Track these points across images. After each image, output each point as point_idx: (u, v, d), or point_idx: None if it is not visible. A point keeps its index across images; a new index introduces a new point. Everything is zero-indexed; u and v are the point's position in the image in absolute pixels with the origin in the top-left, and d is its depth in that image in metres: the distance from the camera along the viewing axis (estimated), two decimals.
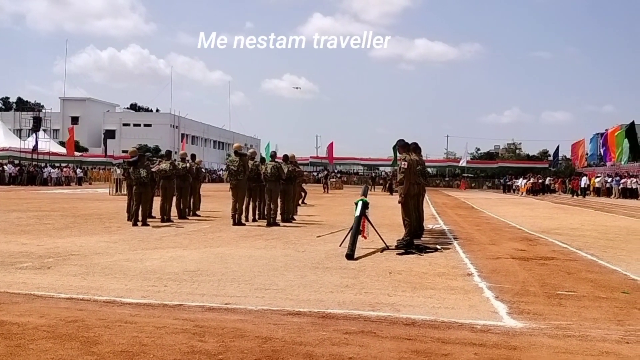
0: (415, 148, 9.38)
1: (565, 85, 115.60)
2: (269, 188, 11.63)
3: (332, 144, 66.12)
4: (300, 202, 21.40)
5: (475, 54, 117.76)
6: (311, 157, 73.58)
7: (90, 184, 42.42)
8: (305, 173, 26.11)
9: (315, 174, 64.70)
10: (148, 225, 10.91)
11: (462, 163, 64.88)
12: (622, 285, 5.58)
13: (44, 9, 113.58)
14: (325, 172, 43.44)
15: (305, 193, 22.67)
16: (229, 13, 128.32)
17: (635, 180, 32.88)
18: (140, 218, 11.04)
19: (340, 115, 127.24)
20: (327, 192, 32.60)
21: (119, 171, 24.81)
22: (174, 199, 12.53)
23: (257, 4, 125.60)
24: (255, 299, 4.61)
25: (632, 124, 37.04)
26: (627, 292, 5.25)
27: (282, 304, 4.45)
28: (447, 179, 65.77)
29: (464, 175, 66.01)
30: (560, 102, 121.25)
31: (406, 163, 8.62)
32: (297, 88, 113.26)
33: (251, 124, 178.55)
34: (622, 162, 37.93)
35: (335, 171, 65.56)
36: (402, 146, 9.21)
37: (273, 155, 12.52)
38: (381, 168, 68.24)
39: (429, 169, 69.08)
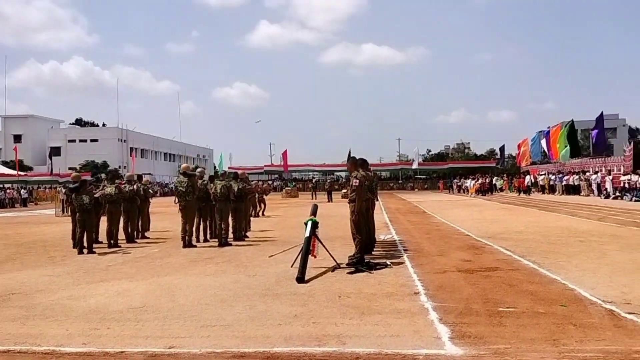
0: (362, 164, 9.49)
1: (508, 85, 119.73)
2: (220, 207, 11.54)
3: (286, 151, 66.22)
4: (260, 214, 21.45)
5: (420, 57, 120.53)
6: (265, 166, 73.44)
7: (35, 204, 40.99)
8: (265, 185, 25.98)
9: (270, 182, 64.52)
10: (94, 252, 10.62)
11: (414, 165, 66.08)
12: (561, 297, 5.79)
13: None
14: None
15: (265, 205, 22.65)
16: (174, 22, 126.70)
17: (577, 177, 34.20)
18: (85, 245, 10.75)
19: (293, 122, 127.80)
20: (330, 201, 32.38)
21: (64, 190, 24.09)
22: (121, 222, 12.26)
23: (203, 13, 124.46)
24: (200, 339, 4.54)
25: (572, 122, 38.57)
26: (565, 305, 5.46)
27: (228, 343, 4.41)
28: (400, 181, 66.83)
29: (416, 177, 67.26)
30: (504, 102, 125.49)
31: (357, 181, 8.74)
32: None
33: (203, 133, 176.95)
34: (564, 160, 39.42)
35: (290, 179, 65.60)
36: (351, 163, 9.36)
37: (222, 174, 12.44)
38: (337, 173, 68.77)
39: (382, 173, 70.60)
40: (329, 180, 51.91)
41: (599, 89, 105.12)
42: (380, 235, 11.82)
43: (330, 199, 32.98)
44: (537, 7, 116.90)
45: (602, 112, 35.15)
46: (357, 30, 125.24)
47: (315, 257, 7.95)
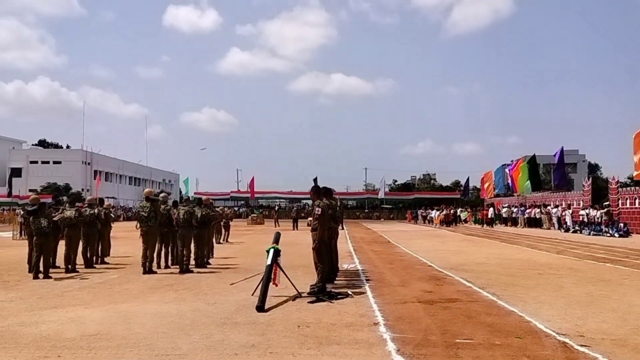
0: (326, 192, 9.55)
1: (473, 118, 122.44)
2: (182, 233, 11.41)
3: (253, 179, 66.04)
4: (223, 240, 21.24)
5: (388, 88, 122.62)
6: (232, 192, 73.12)
7: None
8: (228, 212, 25.74)
9: (236, 209, 64.04)
10: (50, 277, 10.32)
11: (381, 195, 66.69)
12: (517, 330, 5.88)
13: None
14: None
15: (228, 232, 22.46)
16: (145, 46, 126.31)
17: (538, 210, 35.00)
18: (41, 270, 10.44)
19: (261, 148, 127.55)
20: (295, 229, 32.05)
21: (22, 213, 23.42)
22: (80, 247, 11.97)
23: (174, 38, 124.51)
24: None
25: (534, 156, 39.65)
26: (520, 337, 5.54)
27: None
28: (366, 210, 67.23)
29: (382, 206, 67.76)
30: (469, 134, 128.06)
31: (320, 209, 8.77)
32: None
33: (170, 158, 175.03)
34: (526, 193, 40.38)
35: (256, 206, 65.28)
36: (314, 192, 9.40)
37: (186, 200, 12.33)
38: (304, 201, 68.76)
39: (349, 201, 70.96)
40: (295, 208, 51.64)
41: (561, 125, 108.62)
42: (343, 265, 11.83)
43: (295, 227, 32.85)
44: (502, 44, 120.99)
45: (562, 148, 36.28)
46: (327, 60, 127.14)
47: (276, 285, 7.90)
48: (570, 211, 30.32)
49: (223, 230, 21.75)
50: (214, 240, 15.24)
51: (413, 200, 67.41)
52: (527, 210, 36.09)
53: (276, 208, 54.49)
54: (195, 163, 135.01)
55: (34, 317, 6.69)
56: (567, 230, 28.86)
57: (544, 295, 8.25)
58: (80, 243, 11.92)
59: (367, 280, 9.97)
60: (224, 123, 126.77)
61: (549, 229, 32.11)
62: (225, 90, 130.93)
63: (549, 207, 34.54)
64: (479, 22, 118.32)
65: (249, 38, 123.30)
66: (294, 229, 31.71)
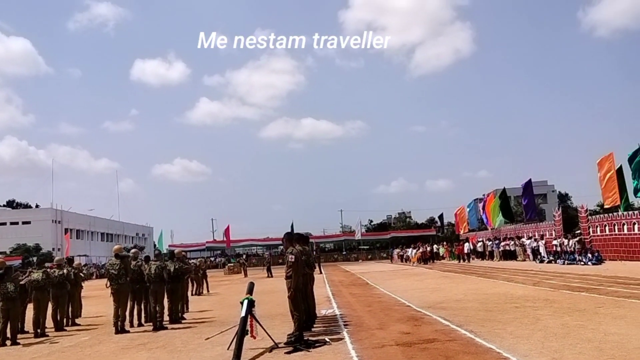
0: (299, 239, 9.50)
1: (443, 155, 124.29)
2: (154, 289, 11.17)
3: (228, 227, 65.38)
4: (203, 291, 20.91)
5: (359, 130, 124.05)
6: (207, 242, 72.19)
7: None
8: (201, 263, 25.29)
9: (212, 259, 63.13)
10: (18, 344, 9.98)
11: (357, 236, 66.65)
12: None
13: None
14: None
15: (206, 282, 22.10)
16: (112, 101, 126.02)
17: (512, 242, 35.38)
18: (9, 336, 10.07)
19: (235, 196, 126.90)
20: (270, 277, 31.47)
21: None
22: (50, 309, 11.61)
23: (141, 92, 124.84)
24: None
25: (504, 190, 40.38)
26: None
27: None
28: (344, 252, 66.96)
29: (360, 247, 67.63)
30: (440, 171, 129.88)
31: (293, 256, 8.70)
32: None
33: (143, 211, 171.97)
34: (498, 226, 40.89)
35: (233, 254, 64.46)
36: (287, 240, 9.34)
37: (157, 254, 12.14)
38: (280, 247, 68.23)
39: (326, 244, 70.69)
40: (267, 254, 50.61)
41: (528, 157, 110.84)
42: (321, 311, 11.70)
43: (270, 274, 32.42)
44: (465, 82, 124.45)
45: (530, 179, 36.99)
46: (296, 105, 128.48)
47: (254, 337, 7.77)
48: (544, 242, 30.73)
49: (201, 282, 21.50)
50: (188, 293, 14.96)
51: (390, 239, 67.52)
52: (502, 243, 36.43)
53: (244, 257, 53.36)
54: (169, 215, 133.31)
55: None
56: (541, 261, 29.15)
57: (521, 329, 8.26)
58: (50, 305, 11.58)
59: (345, 325, 9.86)
60: (197, 173, 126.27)
61: (524, 260, 32.40)
62: (196, 140, 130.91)
63: (522, 239, 34.95)
64: (441, 62, 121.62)
65: (218, 88, 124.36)
66: (268, 277, 31.35)
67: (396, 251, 50.57)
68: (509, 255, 34.85)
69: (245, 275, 33.61)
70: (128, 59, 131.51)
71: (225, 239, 66.47)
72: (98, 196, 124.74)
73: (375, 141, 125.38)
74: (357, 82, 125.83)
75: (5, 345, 9.90)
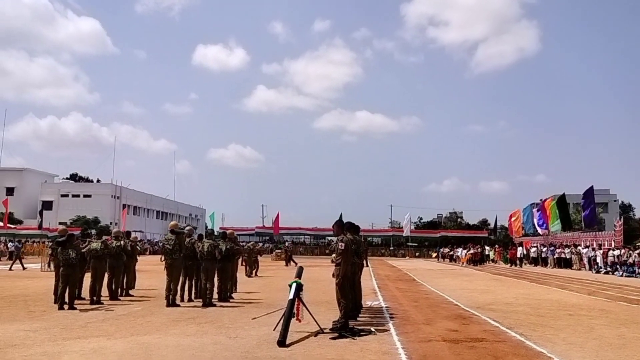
0: (350, 227, 9.47)
1: (499, 156, 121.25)
2: (205, 267, 11.42)
3: (278, 214, 66.09)
4: (253, 274, 21.35)
5: (414, 126, 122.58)
6: (257, 228, 73.12)
7: (22, 258, 40.26)
8: (259, 246, 25.85)
9: (261, 244, 64.04)
10: (75, 308, 10.39)
11: (406, 232, 66.02)
12: None
13: None
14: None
15: (258, 266, 22.55)
16: (173, 85, 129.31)
17: (568, 250, 34.18)
18: (67, 301, 10.54)
19: (286, 185, 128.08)
20: (287, 265, 31.94)
21: (50, 244, 23.86)
22: (106, 278, 12.07)
23: (201, 76, 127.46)
24: None
25: (563, 195, 38.98)
26: None
27: None
28: (392, 248, 66.48)
29: (408, 244, 66.99)
30: (496, 173, 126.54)
31: (343, 244, 8.68)
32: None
33: (196, 193, 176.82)
34: (556, 232, 39.57)
35: (283, 241, 65.07)
36: (338, 226, 9.34)
37: (210, 233, 12.39)
38: (328, 237, 68.48)
39: (374, 239, 70.42)
40: (288, 244, 49.22)
41: (591, 164, 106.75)
42: (367, 302, 11.66)
43: (287, 264, 32.15)
44: (528, 82, 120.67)
45: (591, 187, 35.59)
46: (352, 98, 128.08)
47: (300, 321, 7.82)
48: (602, 252, 29.52)
49: (253, 265, 21.94)
50: (239, 274, 15.22)
51: (439, 238, 66.53)
52: (557, 250, 35.25)
53: (286, 244, 52.98)
54: (221, 198, 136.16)
55: (57, 347, 6.72)
56: (598, 271, 28.04)
57: (574, 337, 7.98)
58: (106, 275, 12.03)
59: (391, 317, 9.80)
60: (250, 159, 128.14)
61: (579, 269, 31.26)
62: (251, 127, 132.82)
63: (579, 247, 33.71)
64: (504, 61, 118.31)
65: (275, 76, 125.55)
66: (287, 265, 31.59)
67: (442, 250, 49.78)
68: (564, 263, 33.69)
69: (288, 263, 33.51)
70: (191, 43, 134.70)
71: (274, 226, 67.26)
72: (155, 175, 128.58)
73: (430, 138, 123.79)
74: (415, 77, 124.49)
75: (63, 309, 10.35)
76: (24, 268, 25.58)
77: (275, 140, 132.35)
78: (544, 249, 37.49)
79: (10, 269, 24.69)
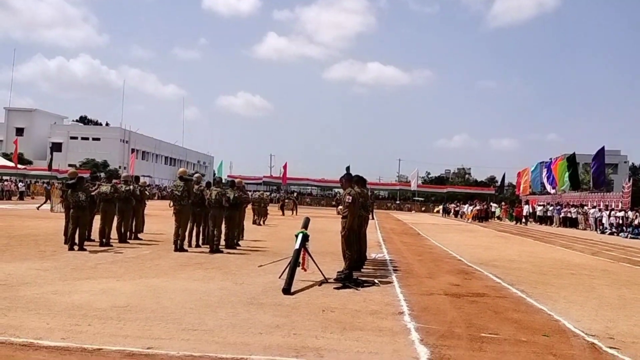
0: (358, 181, 9.48)
1: (511, 114, 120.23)
2: (213, 214, 11.54)
3: (286, 164, 66.21)
4: (261, 222, 21.65)
5: (425, 80, 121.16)
6: (264, 177, 73.46)
7: (32, 198, 40.92)
8: (267, 197, 26.09)
9: (268, 193, 64.42)
10: (85, 250, 10.61)
11: (413, 187, 66.16)
12: (544, 327, 5.78)
13: None
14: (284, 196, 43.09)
15: (266, 215, 22.86)
16: (183, 29, 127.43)
17: (575, 209, 34.20)
18: (77, 242, 10.74)
19: (294, 135, 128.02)
20: (283, 215, 32.47)
21: (60, 186, 24.18)
22: (115, 221, 12.26)
23: (211, 21, 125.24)
24: (179, 342, 4.54)
25: (573, 155, 38.66)
26: (547, 335, 5.45)
27: (207, 348, 4.40)
28: (398, 202, 66.80)
29: (414, 198, 67.21)
30: (507, 130, 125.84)
31: (350, 197, 8.71)
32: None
33: (205, 140, 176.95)
34: (564, 191, 39.47)
35: (290, 192, 65.41)
36: (346, 180, 9.34)
37: (218, 181, 12.46)
38: (335, 190, 68.80)
39: (381, 192, 70.62)
40: (282, 193, 49.30)
41: (603, 124, 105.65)
42: (371, 254, 11.81)
43: (283, 213, 33.25)
44: (544, 39, 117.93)
45: (603, 147, 35.24)
46: (364, 48, 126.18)
47: (305, 270, 7.94)
48: (608, 212, 29.53)
49: (262, 213, 22.22)
50: (245, 222, 15.39)
51: (446, 194, 66.60)
52: (563, 210, 35.30)
53: (294, 195, 52.97)
54: (229, 147, 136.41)
55: (68, 286, 6.89)
56: (603, 231, 28.15)
57: (575, 296, 8.09)
58: (115, 218, 12.21)
59: (394, 270, 9.94)
60: (259, 108, 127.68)
61: (584, 229, 31.37)
62: (261, 75, 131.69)
63: (586, 208, 33.72)
64: (522, 15, 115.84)
65: (286, 23, 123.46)
66: (282, 215, 32.20)
67: (451, 206, 49.88)
68: (570, 222, 33.80)
69: (289, 213, 34.28)
70: None
71: (282, 176, 67.50)
72: (164, 121, 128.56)
73: (442, 92, 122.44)
74: (429, 28, 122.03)
75: (73, 249, 10.55)
76: (38, 208, 26.04)
77: (284, 89, 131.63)
78: (550, 208, 37.55)
79: (37, 208, 25.29)
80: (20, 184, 40.95)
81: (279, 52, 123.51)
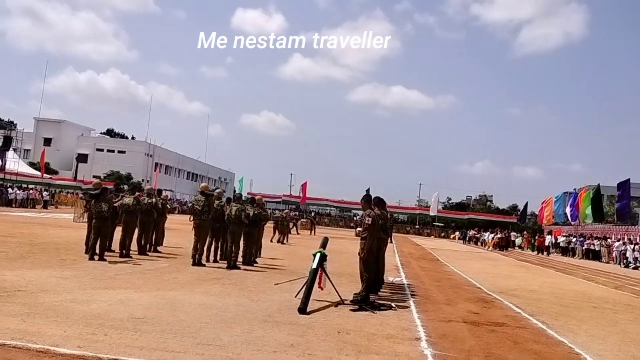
0: (378, 202, 9.46)
1: (535, 142, 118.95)
2: (232, 230, 11.58)
3: (305, 184, 66.22)
4: (285, 240, 21.73)
5: (449, 105, 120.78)
6: (284, 195, 73.66)
7: (56, 207, 41.57)
8: (293, 214, 26.25)
9: (293, 213, 64.40)
10: (105, 260, 10.71)
11: (432, 212, 65.59)
12: None
13: (26, 28, 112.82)
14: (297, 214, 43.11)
15: (289, 233, 22.96)
16: (210, 48, 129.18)
17: (598, 242, 33.52)
18: (97, 252, 10.85)
19: (315, 155, 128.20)
20: (298, 233, 32.45)
21: (84, 196, 24.52)
22: (136, 233, 12.36)
23: (238, 42, 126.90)
24: (194, 356, 4.53)
25: (598, 186, 38.03)
26: None
27: None
28: (417, 226, 66.27)
29: (434, 224, 66.58)
30: (530, 158, 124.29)
31: (370, 219, 8.67)
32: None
33: (227, 157, 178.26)
34: (587, 223, 38.78)
35: (308, 211, 65.37)
36: (366, 201, 9.31)
37: (239, 197, 12.53)
38: (353, 211, 68.58)
39: (400, 216, 70.16)
40: (284, 213, 48.88)
41: (629, 156, 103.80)
42: (389, 277, 11.71)
43: (298, 232, 32.75)
44: (571, 68, 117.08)
45: (628, 179, 34.55)
46: (388, 71, 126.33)
47: (322, 289, 7.91)
48: (632, 246, 28.86)
49: (285, 231, 22.28)
50: (263, 240, 15.40)
51: (467, 220, 65.96)
52: (586, 242, 34.61)
53: (312, 214, 52.24)
54: (250, 164, 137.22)
55: (86, 295, 6.95)
56: (627, 265, 27.49)
57: (597, 329, 7.89)
58: (136, 230, 12.32)
59: (412, 295, 9.82)
60: (282, 127, 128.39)
61: (607, 262, 30.67)
62: (285, 94, 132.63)
63: (609, 240, 33.02)
64: (549, 44, 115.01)
65: (312, 45, 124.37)
66: (298, 233, 31.83)
67: (466, 232, 49.29)
68: (592, 255, 33.09)
69: (313, 232, 34.20)
70: (230, 6, 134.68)
71: (301, 195, 67.53)
72: (188, 137, 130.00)
73: (466, 118, 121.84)
74: (455, 54, 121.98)
75: (94, 259, 10.66)
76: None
77: (307, 109, 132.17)
78: (573, 239, 36.85)
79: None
80: (45, 193, 41.61)
81: (303, 72, 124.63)
